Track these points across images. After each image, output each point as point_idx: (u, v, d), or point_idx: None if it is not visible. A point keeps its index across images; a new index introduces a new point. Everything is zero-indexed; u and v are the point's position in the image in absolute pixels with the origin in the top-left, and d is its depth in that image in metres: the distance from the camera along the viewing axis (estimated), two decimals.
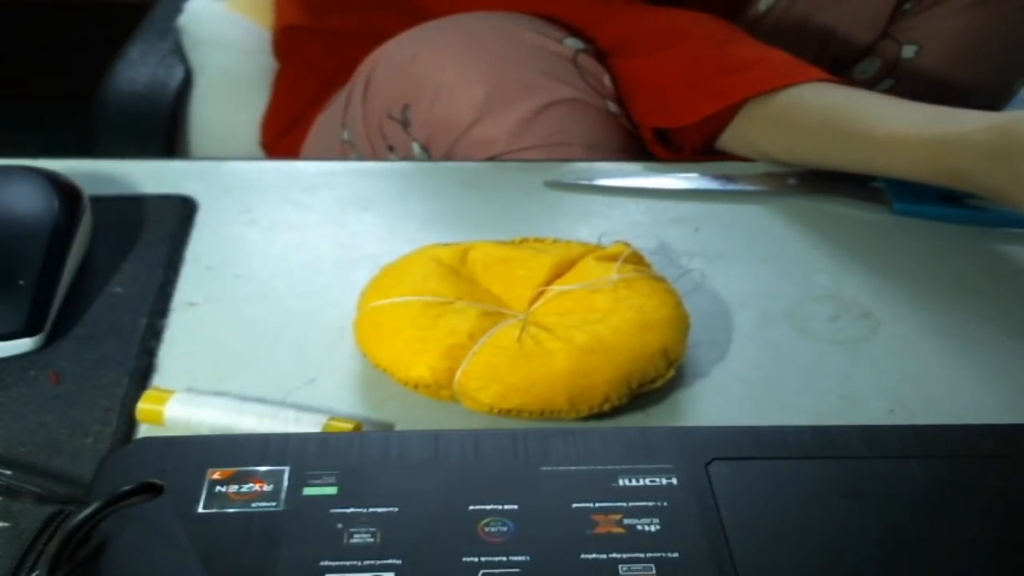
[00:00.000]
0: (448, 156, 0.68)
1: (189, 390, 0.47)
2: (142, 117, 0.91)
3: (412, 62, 0.70)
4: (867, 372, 0.50)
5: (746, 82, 0.64)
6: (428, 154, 0.69)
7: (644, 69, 0.69)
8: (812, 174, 0.64)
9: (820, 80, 0.64)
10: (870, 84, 0.84)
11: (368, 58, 0.75)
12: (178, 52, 0.94)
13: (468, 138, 0.67)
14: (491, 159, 0.67)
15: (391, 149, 0.72)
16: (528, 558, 0.37)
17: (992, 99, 0.86)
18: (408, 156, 0.70)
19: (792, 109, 0.63)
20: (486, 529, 0.38)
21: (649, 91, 0.69)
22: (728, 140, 0.66)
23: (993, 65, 0.84)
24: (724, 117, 0.65)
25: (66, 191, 0.55)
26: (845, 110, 0.62)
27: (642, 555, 0.37)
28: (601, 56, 0.72)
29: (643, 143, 0.72)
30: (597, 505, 0.39)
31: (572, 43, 0.70)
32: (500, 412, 0.46)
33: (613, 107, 0.70)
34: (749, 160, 0.67)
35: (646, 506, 0.39)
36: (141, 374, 0.49)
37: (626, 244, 0.52)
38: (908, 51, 0.83)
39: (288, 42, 0.90)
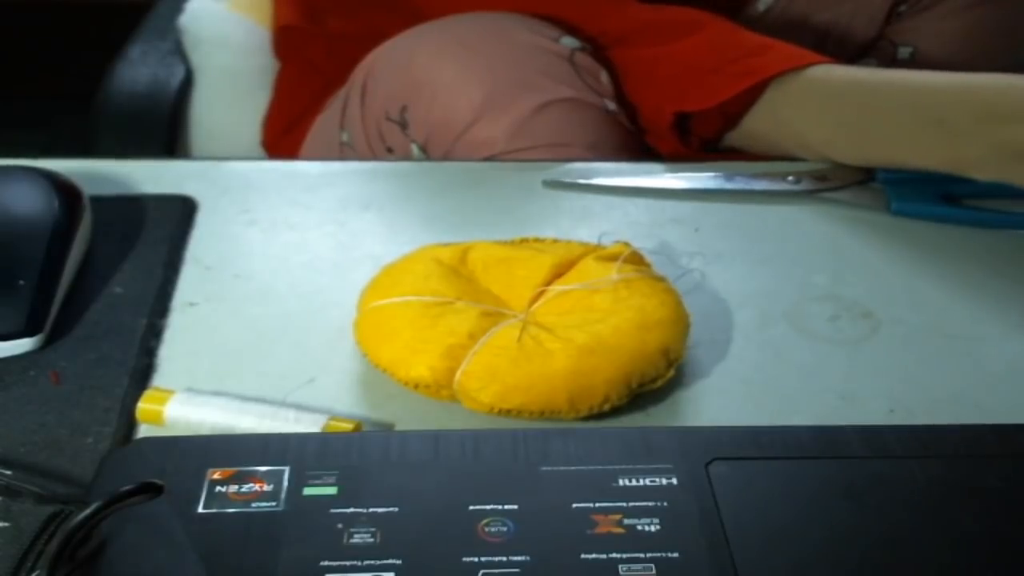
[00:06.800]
0: (447, 157, 0.68)
1: (189, 390, 0.47)
2: (142, 117, 0.91)
3: (409, 63, 0.70)
4: (867, 372, 0.50)
5: (773, 61, 0.65)
6: (427, 155, 0.69)
7: (662, 57, 0.69)
8: (811, 174, 0.64)
9: (839, 64, 0.65)
10: None
11: (364, 60, 0.75)
12: (179, 52, 0.94)
13: (466, 139, 0.67)
14: (489, 159, 0.67)
15: (390, 150, 0.72)
16: (528, 558, 0.37)
17: None
18: (407, 157, 0.70)
19: (828, 78, 0.64)
20: (486, 529, 0.38)
21: (668, 77, 0.68)
22: (753, 121, 0.66)
23: (988, 67, 0.84)
24: (750, 97, 0.65)
25: (66, 191, 0.55)
26: (884, 72, 0.63)
27: (642, 555, 0.37)
28: (598, 54, 0.71)
29: (642, 141, 0.71)
30: (597, 505, 0.39)
31: (568, 42, 0.70)
32: (500, 412, 0.46)
33: (611, 105, 0.70)
34: (758, 152, 0.67)
35: (646, 506, 0.39)
36: (141, 374, 0.49)
37: (626, 244, 0.52)
38: (903, 52, 0.83)
39: (288, 42, 0.90)
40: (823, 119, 0.64)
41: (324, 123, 0.82)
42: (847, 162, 0.64)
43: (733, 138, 0.68)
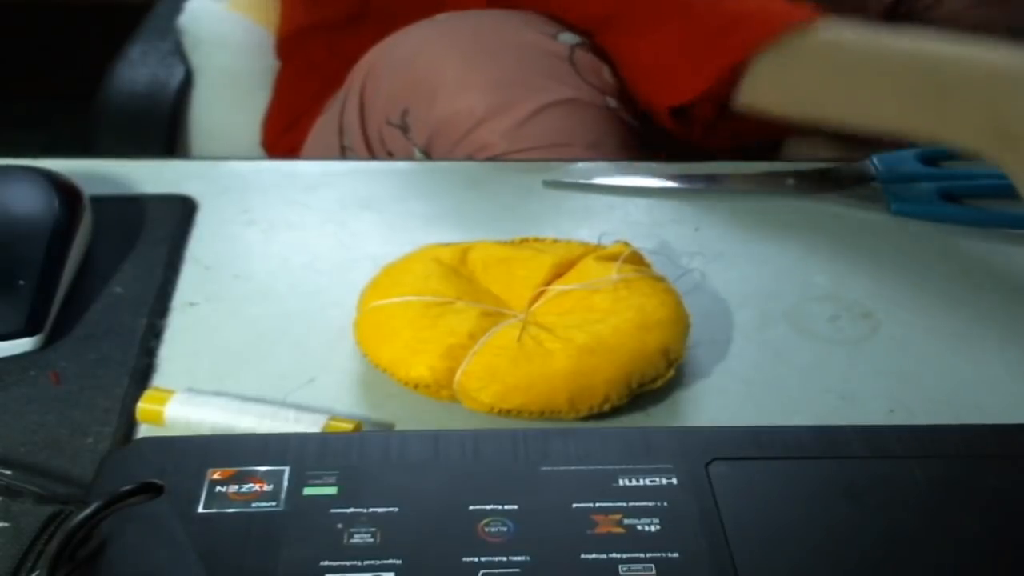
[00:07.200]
0: (448, 159, 0.68)
1: (189, 390, 0.47)
2: (142, 117, 0.92)
3: (409, 67, 0.70)
4: (867, 372, 0.50)
5: (747, 38, 0.64)
6: (428, 159, 0.69)
7: (643, 49, 0.68)
8: (811, 174, 0.64)
9: (825, 19, 0.64)
10: None
11: (360, 62, 0.74)
12: (178, 52, 0.94)
13: (467, 142, 0.67)
14: (490, 160, 0.67)
15: (390, 154, 0.72)
16: (528, 558, 0.37)
17: None
18: (409, 160, 0.70)
19: (810, 45, 0.63)
20: (486, 529, 0.38)
21: (652, 69, 0.68)
22: (744, 95, 0.65)
23: None
24: (734, 75, 0.64)
25: (66, 191, 0.55)
26: (878, 32, 0.62)
27: (642, 555, 0.37)
28: (598, 49, 0.71)
29: (644, 137, 0.71)
30: (597, 505, 0.39)
31: (567, 38, 0.70)
32: (500, 412, 0.46)
33: (612, 103, 0.70)
34: (764, 117, 0.66)
35: (646, 506, 0.39)
36: (141, 374, 0.49)
37: (626, 244, 0.52)
38: None
39: (290, 41, 0.89)
40: (807, 85, 0.63)
41: (324, 126, 0.82)
42: (837, 123, 0.63)
43: (736, 108, 0.67)
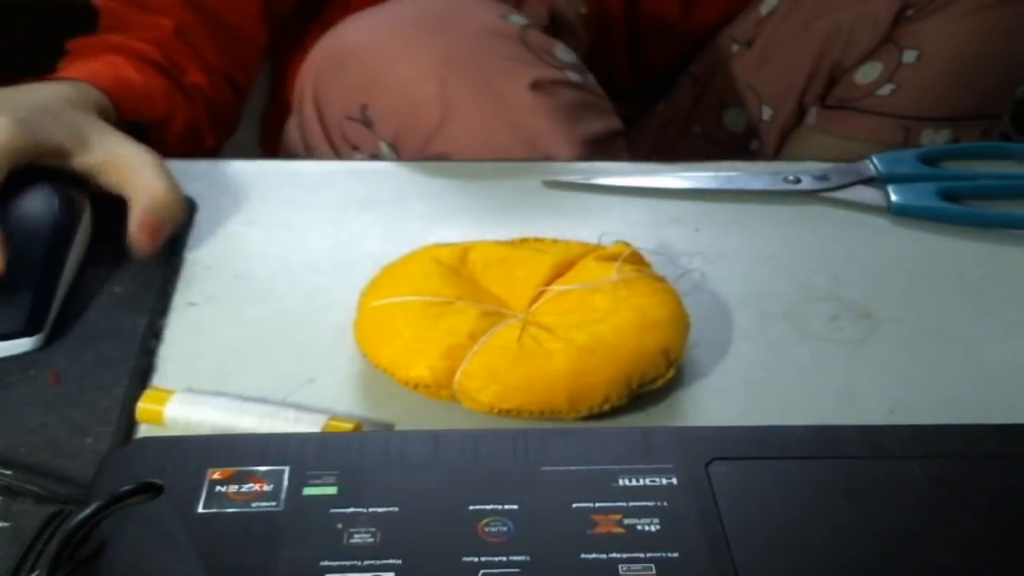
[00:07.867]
0: (420, 155, 0.67)
1: (189, 390, 0.47)
2: None
3: (359, 58, 0.67)
4: (867, 372, 0.50)
5: None
6: (396, 153, 0.68)
7: None
8: (811, 174, 0.64)
9: None
10: (871, 88, 0.84)
11: (308, 58, 0.72)
12: None
13: (439, 137, 0.65)
14: (474, 158, 0.66)
15: (355, 148, 0.70)
16: (528, 558, 0.37)
17: (993, 104, 0.86)
18: (376, 155, 0.69)
19: None
20: (486, 529, 0.38)
21: None
22: None
23: (994, 71, 0.84)
24: None
25: (66, 191, 0.55)
26: None
27: (642, 555, 0.37)
28: (547, 29, 0.70)
29: (617, 92, 0.71)
30: (597, 505, 0.39)
31: (516, 19, 0.69)
32: (500, 412, 0.46)
33: (574, 76, 0.69)
34: None
35: (646, 506, 0.39)
36: (141, 374, 0.49)
37: (626, 244, 0.52)
38: (909, 56, 0.83)
39: (280, 38, 0.89)
40: None
41: (289, 130, 0.80)
42: None
43: None
